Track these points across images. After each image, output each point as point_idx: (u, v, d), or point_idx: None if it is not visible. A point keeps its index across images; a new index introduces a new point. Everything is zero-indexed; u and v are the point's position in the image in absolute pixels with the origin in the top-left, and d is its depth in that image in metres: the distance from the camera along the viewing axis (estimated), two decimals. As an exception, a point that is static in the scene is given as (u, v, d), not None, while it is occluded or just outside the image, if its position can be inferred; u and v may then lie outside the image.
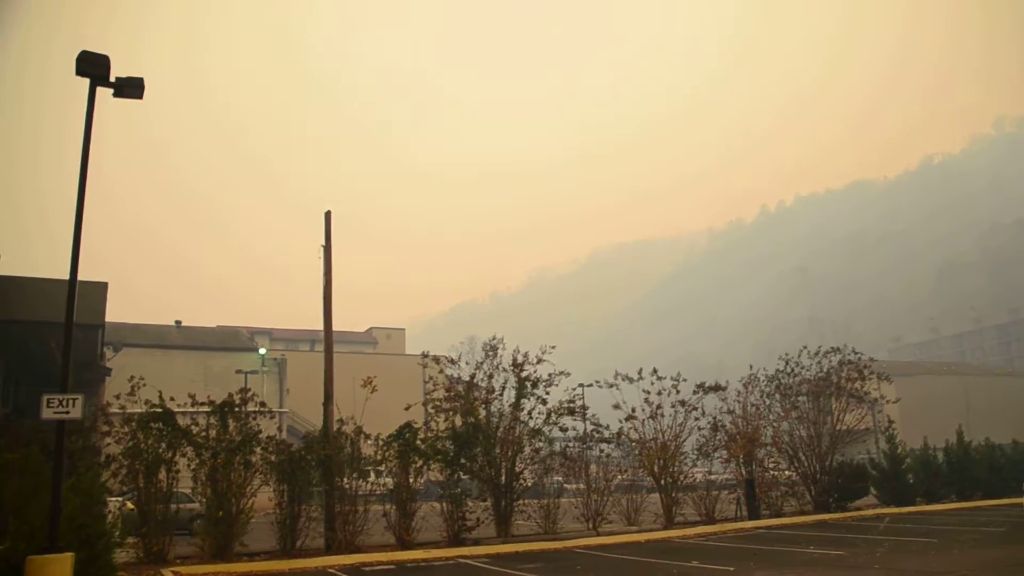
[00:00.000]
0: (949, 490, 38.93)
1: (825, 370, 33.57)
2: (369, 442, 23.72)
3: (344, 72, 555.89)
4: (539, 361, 27.23)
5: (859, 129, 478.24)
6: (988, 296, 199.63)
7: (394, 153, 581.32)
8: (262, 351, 65.28)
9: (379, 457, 23.74)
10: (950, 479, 39.19)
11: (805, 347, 33.82)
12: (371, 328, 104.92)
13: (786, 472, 33.49)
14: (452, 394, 26.75)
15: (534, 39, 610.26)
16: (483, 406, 26.75)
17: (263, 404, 23.00)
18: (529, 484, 27.34)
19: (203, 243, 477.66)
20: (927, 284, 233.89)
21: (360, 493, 23.00)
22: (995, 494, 39.51)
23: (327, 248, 25.30)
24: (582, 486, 28.55)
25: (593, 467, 29.57)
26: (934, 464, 38.82)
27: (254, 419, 22.02)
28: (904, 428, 44.05)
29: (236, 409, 21.67)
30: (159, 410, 20.80)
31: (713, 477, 32.49)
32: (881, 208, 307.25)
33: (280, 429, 53.89)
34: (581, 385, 31.89)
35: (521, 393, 26.89)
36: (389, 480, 23.99)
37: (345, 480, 22.85)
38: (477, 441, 25.56)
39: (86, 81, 14.82)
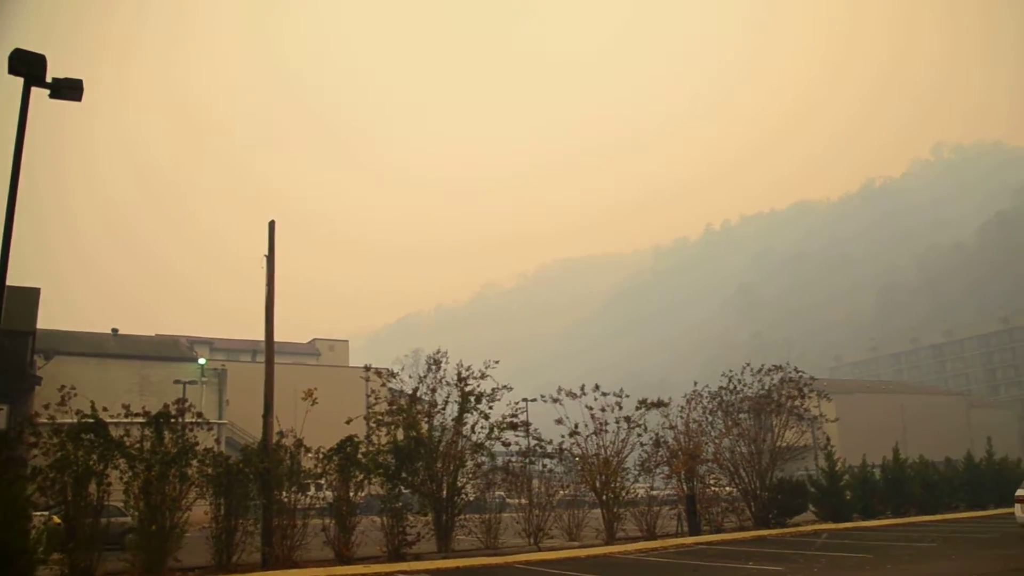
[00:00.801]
0: (885, 506, 39.55)
1: (767, 388, 33.95)
2: (310, 455, 23.34)
3: (303, 74, 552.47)
4: (483, 376, 27.12)
5: (803, 152, 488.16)
6: (925, 317, 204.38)
7: (343, 161, 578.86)
8: (201, 361, 64.19)
9: (319, 471, 23.38)
10: (886, 496, 39.84)
11: (748, 365, 34.16)
12: (314, 339, 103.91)
13: (727, 488, 33.73)
14: (394, 408, 26.50)
15: (494, 59, 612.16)
16: (425, 420, 26.56)
17: (200, 415, 22.48)
18: (471, 499, 27.16)
19: (144, 251, 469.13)
20: (867, 304, 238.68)
21: (299, 507, 22.60)
22: (929, 510, 40.31)
23: (270, 258, 24.89)
24: (524, 501, 28.42)
25: (535, 482, 29.49)
26: (871, 481, 39.43)
27: (191, 431, 21.47)
28: (843, 445, 44.81)
29: (172, 420, 21.11)
30: (91, 420, 20.16)
31: (655, 493, 32.58)
32: (824, 229, 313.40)
33: (219, 441, 53.01)
34: (525, 400, 31.82)
35: (464, 407, 26.74)
36: (329, 493, 23.65)
37: (284, 494, 22.42)
38: (419, 455, 25.32)
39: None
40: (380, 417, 26.12)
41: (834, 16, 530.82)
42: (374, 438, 25.78)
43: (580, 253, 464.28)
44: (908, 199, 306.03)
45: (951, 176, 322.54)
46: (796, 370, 34.47)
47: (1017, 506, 25.48)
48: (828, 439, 37.16)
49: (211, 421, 26.88)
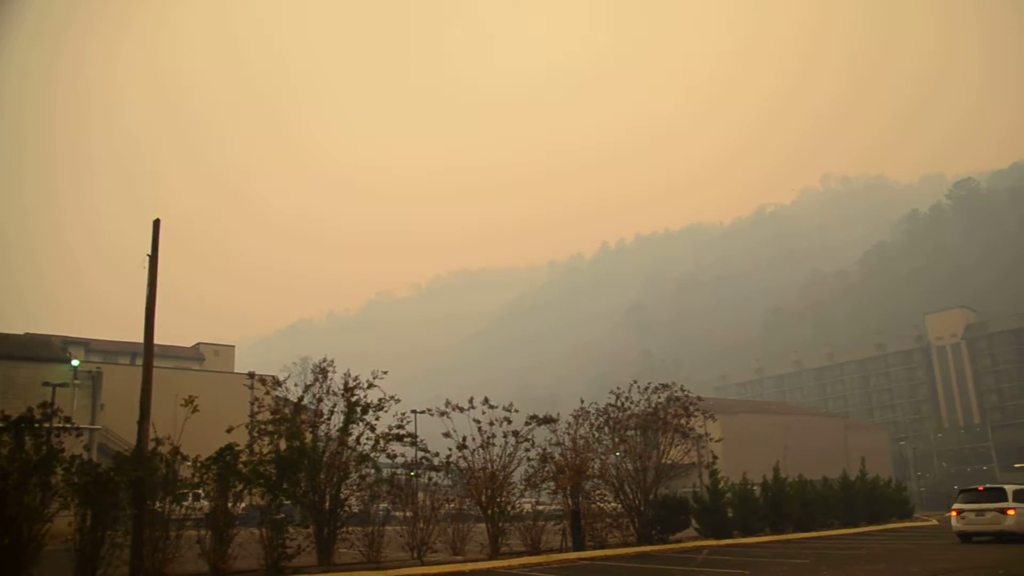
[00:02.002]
0: (764, 523, 40.54)
1: (654, 406, 34.36)
2: (187, 464, 22.42)
3: (195, 73, 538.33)
4: (370, 386, 26.69)
5: (698, 176, 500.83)
6: (808, 340, 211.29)
7: (235, 160, 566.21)
8: (75, 363, 61.22)
9: (196, 480, 22.47)
10: (766, 513, 40.86)
11: (635, 382, 34.53)
12: (199, 343, 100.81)
13: (612, 504, 33.97)
14: (278, 416, 25.79)
15: (413, 65, 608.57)
16: (310, 430, 25.94)
17: (69, 420, 21.33)
18: (355, 511, 26.60)
19: (19, 244, 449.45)
20: (754, 326, 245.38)
21: (174, 518, 21.64)
22: (806, 527, 41.55)
23: (153, 258, 23.95)
24: (409, 514, 28.00)
25: (421, 495, 29.08)
26: (751, 499, 40.36)
27: (57, 436, 20.31)
28: (727, 463, 45.76)
29: (36, 425, 19.90)
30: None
31: (541, 508, 32.56)
32: (715, 251, 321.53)
33: (90, 448, 50.69)
34: (413, 412, 31.44)
35: (350, 418, 26.25)
36: (206, 504, 22.75)
37: (158, 504, 21.44)
38: (302, 466, 24.65)
39: None
40: (263, 426, 25.39)
41: (730, 45, 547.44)
42: (256, 447, 25.01)
43: (475, 266, 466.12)
44: (796, 226, 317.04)
45: (837, 206, 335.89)
46: (683, 389, 35.02)
47: (953, 517, 32.10)
48: (714, 457, 37.85)
49: (81, 427, 25.59)
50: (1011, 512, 30.40)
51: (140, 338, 23.69)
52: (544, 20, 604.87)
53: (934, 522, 56.46)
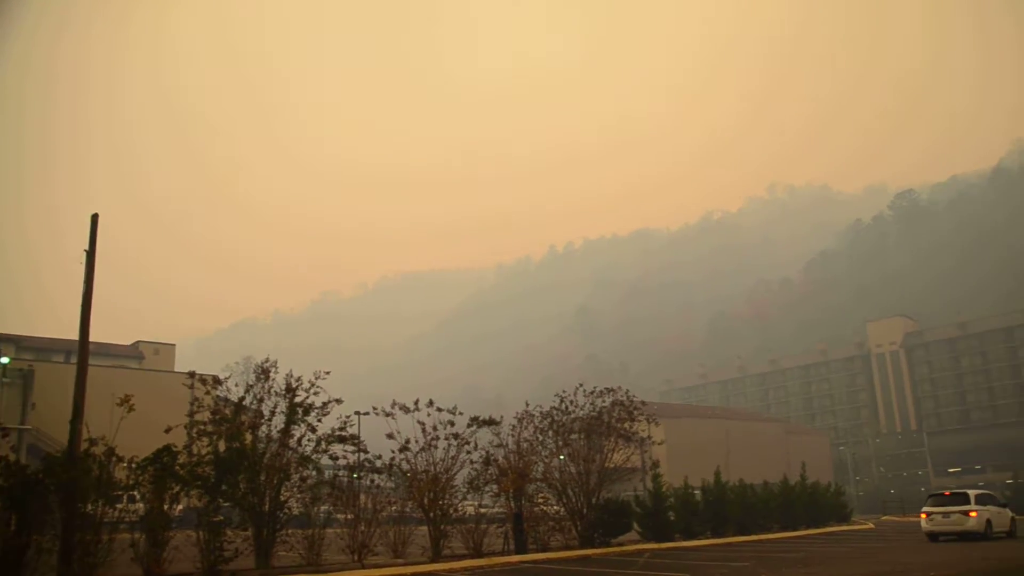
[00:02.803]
0: (706, 527, 40.90)
1: (598, 409, 34.45)
2: (123, 465, 21.90)
3: (152, 73, 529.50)
4: (313, 387, 26.37)
5: (647, 181, 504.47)
6: (752, 346, 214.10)
7: (177, 154, 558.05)
8: (3, 360, 59.58)
9: (132, 482, 21.95)
10: (707, 516, 41.22)
11: (580, 385, 34.59)
12: (138, 342, 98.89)
13: (554, 507, 33.99)
14: (218, 417, 25.36)
15: (370, 59, 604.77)
16: (250, 431, 25.55)
17: (-4, 419, 20.70)
18: (295, 513, 26.26)
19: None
20: (699, 332, 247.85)
21: (107, 521, 21.09)
22: (746, 531, 42.00)
23: (91, 253, 23.37)
24: (350, 516, 27.73)
25: (363, 497, 28.82)
26: (693, 502, 40.68)
27: (-18, 435, 19.67)
28: (671, 467, 46.06)
29: (-42, 424, 19.22)
30: None
31: (483, 511, 32.46)
32: (662, 257, 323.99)
33: (18, 449, 49.42)
34: (357, 413, 31.14)
35: (291, 419, 25.92)
36: (141, 506, 22.23)
37: (90, 506, 20.87)
38: (241, 467, 24.26)
39: None
40: (203, 426, 24.93)
41: (688, 53, 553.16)
42: (195, 448, 24.55)
43: (423, 266, 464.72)
44: (742, 233, 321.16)
45: (782, 214, 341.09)
46: (627, 393, 35.17)
47: (923, 519, 35.51)
48: (656, 461, 38.07)
49: (10, 427, 24.86)
50: (973, 514, 34.00)
51: (75, 335, 23.11)
52: (496, 27, 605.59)
53: (871, 525, 57.54)
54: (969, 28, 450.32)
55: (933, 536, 34.88)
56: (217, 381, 27.25)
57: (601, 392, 34.46)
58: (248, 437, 25.27)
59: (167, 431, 23.19)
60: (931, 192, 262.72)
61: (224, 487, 23.74)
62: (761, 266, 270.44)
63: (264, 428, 26.01)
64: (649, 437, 36.02)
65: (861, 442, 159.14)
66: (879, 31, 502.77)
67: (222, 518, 23.46)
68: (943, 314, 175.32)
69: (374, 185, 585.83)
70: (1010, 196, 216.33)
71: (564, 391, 34.31)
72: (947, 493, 37.11)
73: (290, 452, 25.90)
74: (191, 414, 25.87)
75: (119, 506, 21.40)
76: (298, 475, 26.02)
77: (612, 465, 34.31)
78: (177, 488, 22.48)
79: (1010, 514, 37.65)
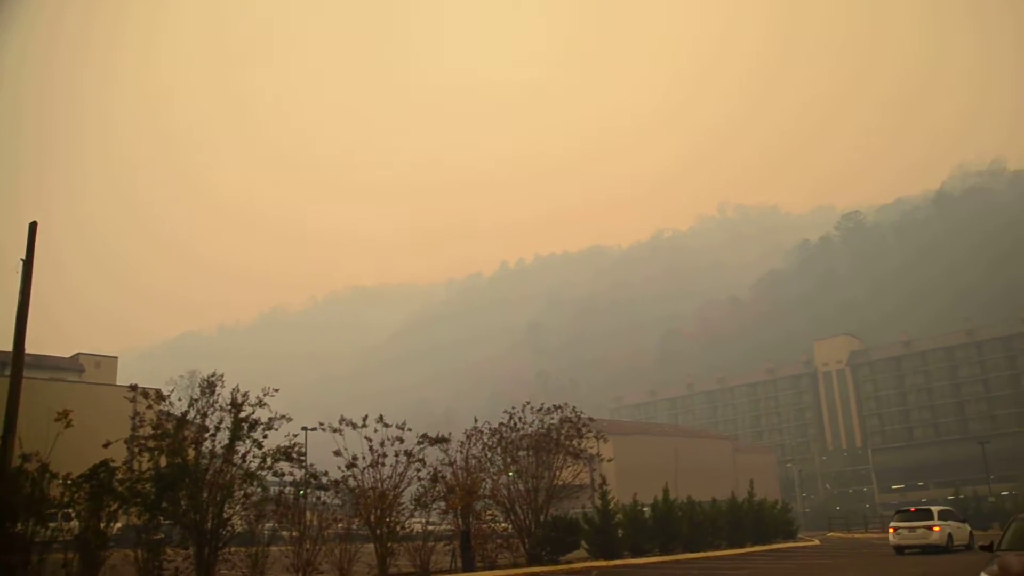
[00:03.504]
0: (654, 544, 40.90)
1: (547, 426, 34.34)
2: (57, 482, 21.22)
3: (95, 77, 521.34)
4: (260, 403, 25.87)
5: (599, 198, 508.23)
6: (701, 364, 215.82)
7: (119, 160, 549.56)
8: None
9: (66, 500, 21.27)
10: (655, 534, 41.23)
11: (528, 403, 34.47)
12: (78, 353, 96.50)
13: (502, 525, 33.76)
14: (160, 432, 24.75)
15: (300, 69, 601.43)
16: (193, 446, 24.97)
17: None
18: (239, 531, 25.71)
19: None
20: (650, 350, 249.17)
21: (39, 540, 20.39)
22: (694, 548, 42.10)
23: (28, 262, 22.77)
24: (296, 534, 27.24)
25: (308, 514, 28.34)
26: (641, 519, 40.68)
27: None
28: (619, 484, 46.05)
29: None
30: None
31: (431, 528, 32.14)
32: (613, 275, 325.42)
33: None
34: (305, 429, 30.67)
35: (236, 435, 25.37)
36: (76, 525, 21.53)
37: (19, 525, 20.15)
38: (183, 484, 23.68)
39: None
40: (143, 442, 24.30)
41: (649, 77, 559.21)
42: (135, 464, 23.91)
43: (372, 280, 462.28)
44: (692, 251, 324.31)
45: (731, 233, 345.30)
46: (575, 410, 35.12)
47: (890, 534, 38.20)
48: (604, 479, 38.03)
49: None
50: (936, 528, 37.21)
51: (9, 346, 22.49)
52: (454, 42, 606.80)
53: (816, 542, 58.06)
54: (911, 57, 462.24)
55: (899, 549, 37.41)
56: (160, 395, 26.66)
57: (550, 409, 34.38)
58: (191, 453, 24.68)
59: (106, 446, 22.54)
60: (877, 214, 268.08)
61: (165, 504, 23.15)
62: (710, 285, 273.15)
63: (208, 443, 25.42)
64: (598, 454, 36.03)
65: (808, 459, 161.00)
66: (824, 60, 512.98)
67: (162, 536, 22.88)
68: (888, 333, 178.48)
69: (323, 196, 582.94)
70: (952, 219, 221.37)
71: (513, 408, 34.16)
72: (912, 510, 40.25)
73: (234, 468, 25.34)
74: (132, 429, 25.25)
75: (52, 524, 20.69)
76: (242, 492, 25.46)
77: (560, 482, 34.20)
78: (115, 506, 21.84)
79: (968, 528, 40.93)
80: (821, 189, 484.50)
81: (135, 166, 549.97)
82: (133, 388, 25.98)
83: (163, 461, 23.92)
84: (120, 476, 22.27)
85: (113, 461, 22.14)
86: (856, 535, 73.26)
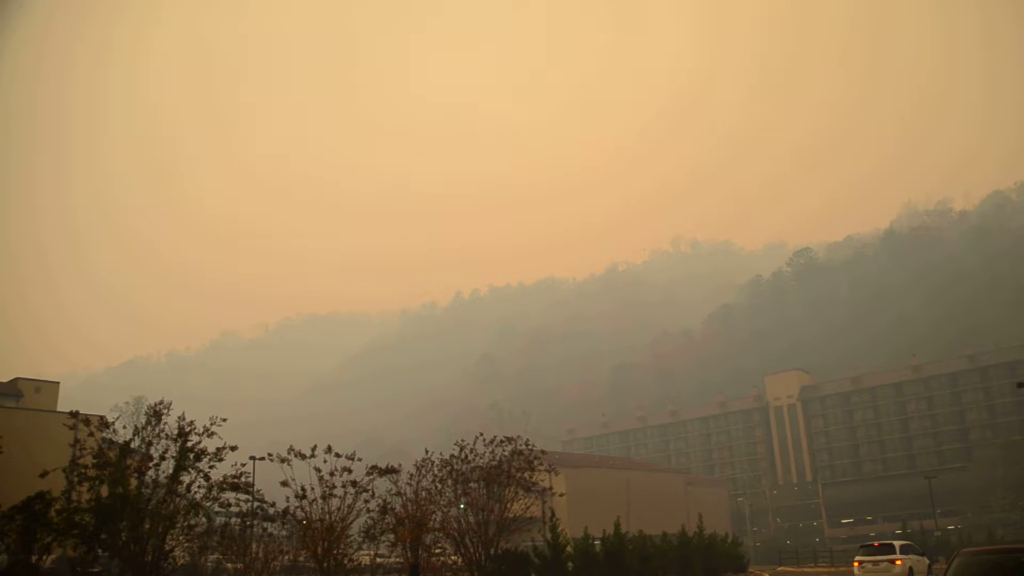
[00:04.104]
0: (604, 579, 40.62)
1: (498, 459, 34.12)
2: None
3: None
4: (207, 432, 25.41)
5: (554, 231, 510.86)
6: (653, 397, 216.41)
7: (62, 178, 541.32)
8: None
9: (-4, 532, 20.59)
10: (606, 567, 40.95)
11: (481, 434, 34.26)
12: (17, 378, 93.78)
13: (452, 557, 33.40)
14: (101, 461, 24.15)
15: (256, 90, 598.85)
16: (136, 475, 24.40)
17: None
18: (181, 563, 25.13)
19: None
20: (602, 382, 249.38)
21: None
22: (645, 583, 41.87)
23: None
24: (241, 566, 26.69)
25: (254, 546, 27.81)
26: (592, 553, 40.42)
27: None
28: (570, 517, 45.84)
29: None
30: None
31: (380, 560, 31.70)
32: (567, 307, 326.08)
33: None
34: (252, 458, 30.17)
35: (182, 464, 24.87)
36: (4, 558, 20.86)
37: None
38: (124, 514, 23.09)
39: None
40: (84, 471, 23.68)
41: (606, 114, 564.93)
42: (75, 494, 23.29)
43: (325, 309, 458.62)
44: (646, 285, 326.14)
45: (685, 268, 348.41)
46: (527, 443, 34.96)
47: (856, 567, 41.08)
48: (555, 512, 37.82)
49: None
50: (899, 562, 39.81)
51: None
52: (417, 70, 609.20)
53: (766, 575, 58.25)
54: (869, 94, 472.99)
55: None
56: (104, 423, 26.10)
57: (501, 441, 34.20)
58: (133, 482, 24.14)
59: (43, 475, 21.97)
60: (827, 251, 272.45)
61: (104, 535, 22.56)
62: (664, 318, 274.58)
63: (152, 473, 24.92)
64: (550, 487, 35.85)
65: (759, 493, 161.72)
66: (782, 95, 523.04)
67: (99, 569, 22.27)
68: (838, 369, 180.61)
69: (275, 226, 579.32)
70: (900, 257, 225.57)
71: (464, 440, 33.91)
72: (876, 544, 43.64)
73: (178, 499, 24.82)
74: (73, 458, 24.64)
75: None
76: (185, 523, 24.92)
77: (511, 515, 33.95)
78: (50, 538, 21.20)
79: (927, 561, 43.84)
80: (773, 226, 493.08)
81: (72, 180, 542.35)
82: (74, 415, 25.42)
83: (104, 491, 23.35)
84: (57, 507, 21.68)
85: (49, 493, 21.52)
86: (806, 569, 73.62)
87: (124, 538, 23.16)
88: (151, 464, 24.90)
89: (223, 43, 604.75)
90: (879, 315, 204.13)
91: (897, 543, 43.06)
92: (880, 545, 43.15)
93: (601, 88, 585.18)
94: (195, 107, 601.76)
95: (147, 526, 23.64)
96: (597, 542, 41.72)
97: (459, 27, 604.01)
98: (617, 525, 42.90)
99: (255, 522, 27.96)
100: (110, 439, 25.55)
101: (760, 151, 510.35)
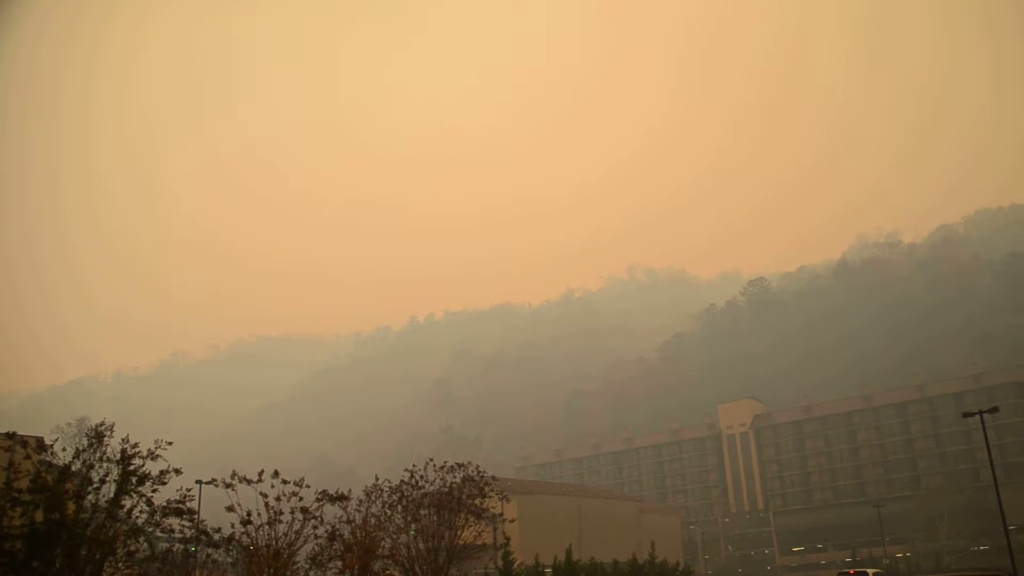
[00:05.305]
0: (555, 608, 40.25)
1: (449, 485, 33.68)
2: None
3: None
4: (152, 455, 24.67)
5: (510, 257, 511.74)
6: (608, 424, 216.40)
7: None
8: None
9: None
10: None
11: (431, 460, 33.80)
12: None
13: (401, 585, 32.86)
14: (38, 484, 23.29)
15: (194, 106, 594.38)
16: (74, 500, 23.56)
17: None
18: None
19: None
20: (557, 408, 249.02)
21: None
22: (595, 611, 41.48)
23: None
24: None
25: (198, 573, 27.09)
26: (542, 581, 40.09)
27: None
28: (523, 544, 45.42)
29: None
30: None
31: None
32: (523, 333, 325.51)
33: None
34: (198, 482, 29.49)
35: (123, 488, 24.08)
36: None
37: None
38: (59, 540, 22.24)
39: None
40: (17, 495, 22.80)
41: (566, 140, 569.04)
42: (6, 520, 22.39)
43: (278, 331, 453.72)
44: (601, 313, 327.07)
45: (640, 296, 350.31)
46: (478, 469, 34.56)
47: None
48: (507, 538, 37.40)
49: None
50: None
51: None
52: (385, 89, 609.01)
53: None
54: (825, 126, 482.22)
55: None
56: (41, 444, 25.25)
57: (452, 467, 33.76)
58: (71, 507, 23.29)
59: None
60: (781, 281, 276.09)
61: (36, 563, 21.68)
62: (619, 345, 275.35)
63: (91, 497, 24.08)
64: (501, 514, 35.44)
65: (711, 521, 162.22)
66: (731, 131, 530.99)
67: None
68: (790, 397, 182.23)
69: (226, 247, 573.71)
70: (852, 288, 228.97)
71: (414, 465, 33.43)
72: (851, 572, 45.61)
73: (118, 524, 24.02)
74: (8, 481, 23.76)
75: None
76: (125, 549, 24.11)
77: (462, 542, 33.47)
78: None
79: None
80: (728, 255, 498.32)
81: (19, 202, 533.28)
82: (10, 436, 24.56)
83: (39, 516, 22.50)
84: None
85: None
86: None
87: (59, 565, 22.31)
88: (91, 488, 24.07)
89: (212, 53, 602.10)
90: (831, 345, 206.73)
91: (871, 570, 46.39)
92: (855, 573, 45.32)
93: (574, 120, 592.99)
94: (183, 115, 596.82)
95: (84, 552, 22.82)
96: (548, 569, 41.38)
97: (441, 47, 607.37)
98: (569, 552, 42.61)
99: (199, 548, 27.21)
100: (48, 461, 24.71)
101: (714, 180, 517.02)
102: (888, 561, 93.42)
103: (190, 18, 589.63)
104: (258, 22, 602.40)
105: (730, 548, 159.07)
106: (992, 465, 60.98)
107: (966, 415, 58.57)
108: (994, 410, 59.02)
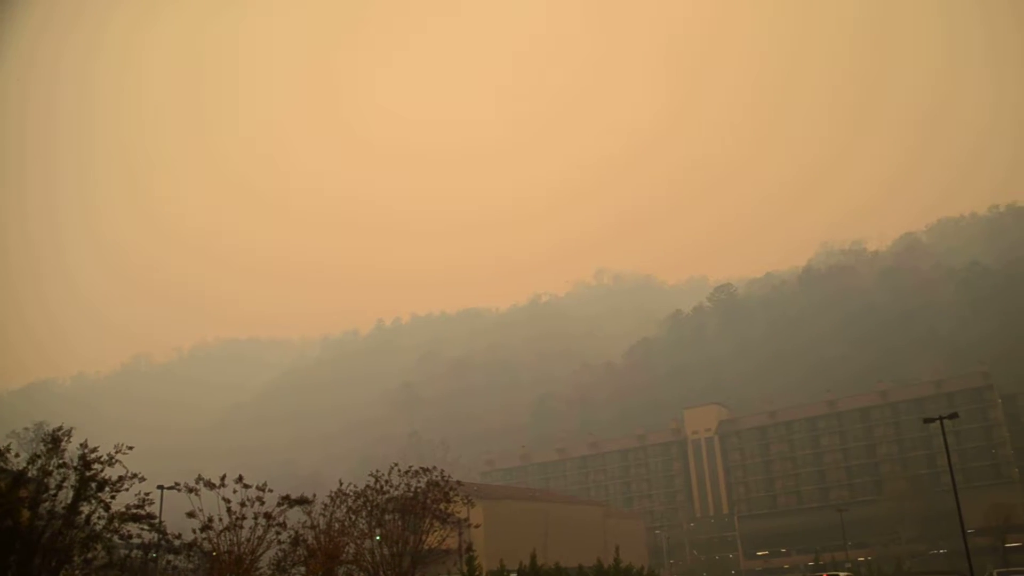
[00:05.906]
0: (520, 613, 40.13)
1: (413, 490, 33.50)
2: None
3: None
4: (111, 460, 24.21)
5: (478, 260, 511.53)
6: (574, 428, 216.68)
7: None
8: None
9: None
10: (520, 601, 40.51)
11: (395, 465, 33.58)
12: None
13: (366, 591, 32.60)
14: (-10, 491, 22.80)
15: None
16: (29, 506, 23.07)
17: None
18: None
19: None
20: (523, 413, 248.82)
21: None
22: (561, 617, 41.42)
23: None
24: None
25: (157, 580, 26.68)
26: (508, 586, 39.93)
27: None
28: (488, 549, 45.27)
29: None
30: None
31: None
32: (489, 337, 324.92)
33: None
34: (160, 488, 29.07)
35: (82, 494, 23.62)
36: None
37: None
38: (12, 548, 21.78)
39: None
40: (-32, 502, 22.30)
41: (540, 146, 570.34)
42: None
43: (243, 334, 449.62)
44: (568, 317, 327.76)
45: (607, 300, 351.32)
46: (443, 474, 34.41)
47: None
48: (471, 544, 37.26)
49: None
50: None
51: None
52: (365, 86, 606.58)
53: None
54: (797, 141, 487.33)
55: None
56: (-2, 450, 24.73)
57: (417, 472, 33.58)
58: (25, 514, 22.80)
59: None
60: (747, 287, 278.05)
61: (-13, 572, 21.24)
62: (585, 349, 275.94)
63: (47, 504, 23.59)
64: (467, 519, 35.33)
65: (676, 526, 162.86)
66: (709, 139, 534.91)
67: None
68: (755, 403, 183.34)
69: (192, 248, 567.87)
70: (817, 294, 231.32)
71: (379, 470, 33.20)
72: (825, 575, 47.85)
73: (75, 531, 23.55)
74: (-38, 486, 23.24)
75: None
76: (81, 557, 23.65)
77: (427, 547, 33.31)
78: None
79: None
80: (695, 262, 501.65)
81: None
82: (-37, 442, 24.03)
83: (-8, 523, 22.03)
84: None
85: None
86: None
87: (12, 574, 21.82)
88: (47, 494, 23.58)
89: (209, 48, 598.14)
90: (796, 350, 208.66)
91: (841, 573, 47.93)
92: None
93: (545, 126, 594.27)
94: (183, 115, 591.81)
95: (38, 560, 22.34)
96: (513, 574, 41.25)
97: (415, 53, 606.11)
98: (533, 557, 42.55)
99: (159, 554, 26.79)
100: (1, 467, 24.20)
101: (682, 185, 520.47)
102: (850, 565, 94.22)
103: (187, 18, 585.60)
104: (257, 23, 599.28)
105: (695, 552, 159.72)
106: (951, 470, 61.82)
107: (927, 421, 58.82)
108: (954, 416, 59.62)
